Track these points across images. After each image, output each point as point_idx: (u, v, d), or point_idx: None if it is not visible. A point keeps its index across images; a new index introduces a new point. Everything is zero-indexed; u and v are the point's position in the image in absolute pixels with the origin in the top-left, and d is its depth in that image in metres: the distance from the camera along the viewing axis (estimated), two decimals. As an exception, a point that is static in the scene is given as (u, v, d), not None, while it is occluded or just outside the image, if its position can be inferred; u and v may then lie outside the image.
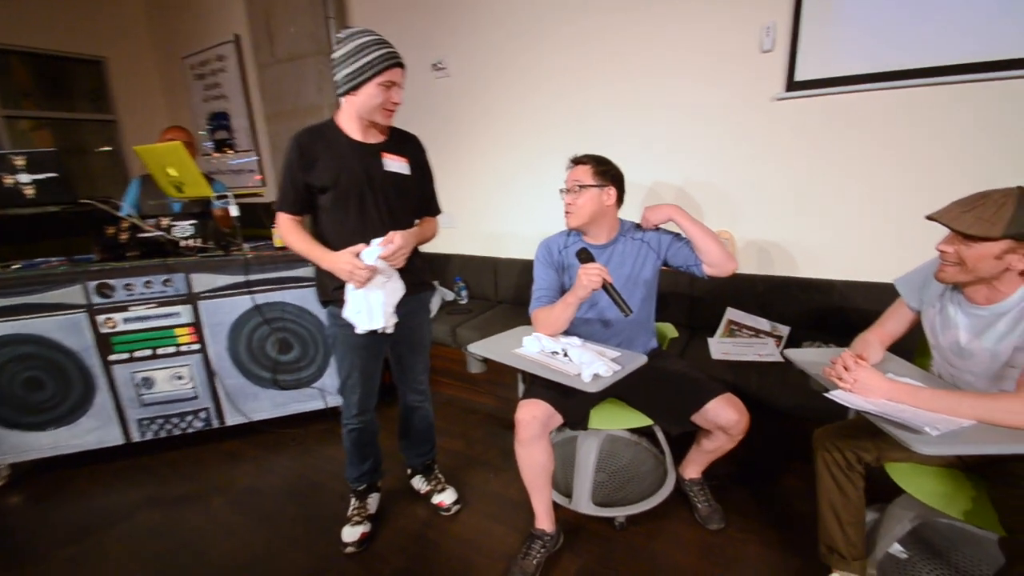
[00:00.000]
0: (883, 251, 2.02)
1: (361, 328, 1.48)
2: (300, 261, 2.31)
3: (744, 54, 2.11)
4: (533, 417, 1.52)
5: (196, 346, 2.25)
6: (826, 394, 1.18)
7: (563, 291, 1.69)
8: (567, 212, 1.62)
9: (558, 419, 1.56)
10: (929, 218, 1.16)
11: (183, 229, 2.27)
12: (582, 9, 2.45)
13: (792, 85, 2.04)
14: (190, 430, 2.33)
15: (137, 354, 2.19)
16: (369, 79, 1.35)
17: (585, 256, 1.47)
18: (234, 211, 2.16)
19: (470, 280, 3.09)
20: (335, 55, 1.37)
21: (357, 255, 1.41)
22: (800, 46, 1.99)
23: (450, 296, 3.08)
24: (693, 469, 1.78)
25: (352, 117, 1.45)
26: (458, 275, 3.09)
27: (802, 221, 2.16)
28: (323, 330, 2.38)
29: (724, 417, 1.51)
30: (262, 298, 2.28)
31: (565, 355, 1.44)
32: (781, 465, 1.97)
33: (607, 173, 1.60)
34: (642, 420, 1.61)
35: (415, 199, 1.61)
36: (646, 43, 2.32)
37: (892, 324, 1.38)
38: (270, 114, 3.47)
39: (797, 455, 1.95)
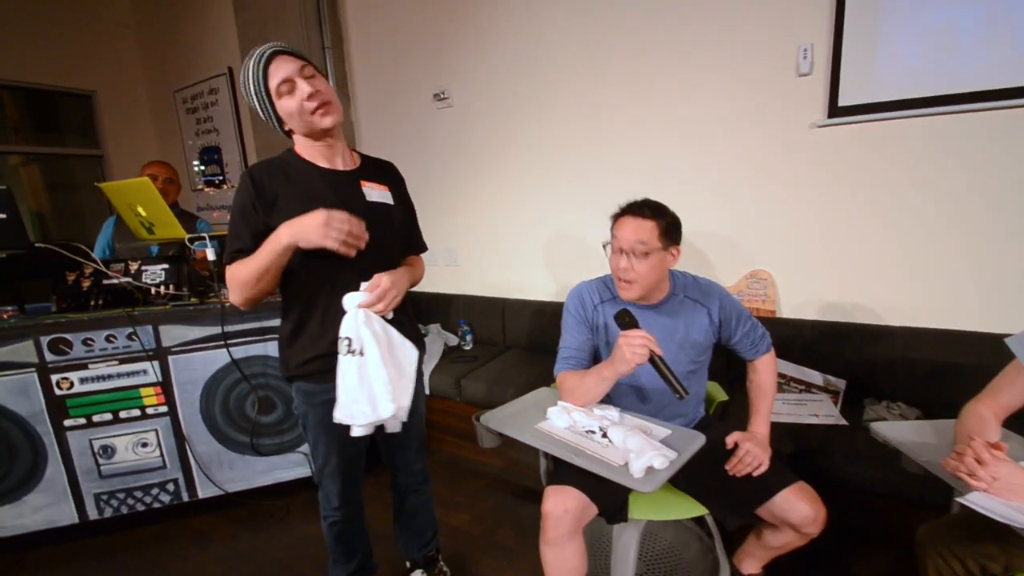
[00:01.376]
0: (952, 295, 1.77)
1: (362, 425, 1.10)
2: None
3: (779, 78, 1.91)
4: (565, 511, 1.22)
5: (164, 408, 1.97)
6: (961, 499, 0.90)
7: (596, 352, 1.43)
8: (624, 280, 1.29)
9: (593, 510, 1.27)
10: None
11: (154, 274, 2.01)
12: (594, 31, 2.28)
13: (835, 111, 1.83)
14: (156, 505, 2.02)
15: (96, 418, 1.90)
16: (266, 92, 1.11)
17: (628, 320, 1.19)
18: (211, 254, 1.92)
19: (475, 323, 2.83)
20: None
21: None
22: (843, 69, 1.79)
23: (453, 341, 2.81)
24: (752, 564, 1.47)
25: (307, 144, 1.19)
26: (462, 318, 2.83)
27: (852, 259, 1.91)
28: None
29: (797, 513, 1.22)
30: (241, 351, 2.01)
31: (604, 435, 1.17)
32: (852, 550, 1.66)
33: (672, 228, 1.29)
34: (695, 509, 1.31)
35: (402, 234, 1.33)
36: (668, 67, 2.13)
37: (1008, 395, 1.11)
38: (262, 146, 3.28)
39: (870, 537, 1.64)
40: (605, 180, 2.39)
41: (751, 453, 1.29)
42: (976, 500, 0.89)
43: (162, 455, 1.99)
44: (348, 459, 1.32)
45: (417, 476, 1.50)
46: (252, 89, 1.11)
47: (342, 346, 1.10)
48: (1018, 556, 1.02)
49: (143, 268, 2.00)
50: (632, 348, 1.13)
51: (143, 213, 1.90)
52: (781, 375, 1.96)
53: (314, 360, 1.20)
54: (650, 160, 2.25)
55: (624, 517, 1.32)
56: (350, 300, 1.12)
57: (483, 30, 2.59)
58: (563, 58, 2.39)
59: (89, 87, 4.16)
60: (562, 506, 1.23)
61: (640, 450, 1.05)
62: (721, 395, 1.57)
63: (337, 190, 1.18)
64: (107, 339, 1.86)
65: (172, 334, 1.93)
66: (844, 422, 1.70)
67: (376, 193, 1.24)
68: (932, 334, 1.78)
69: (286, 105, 1.11)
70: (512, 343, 2.76)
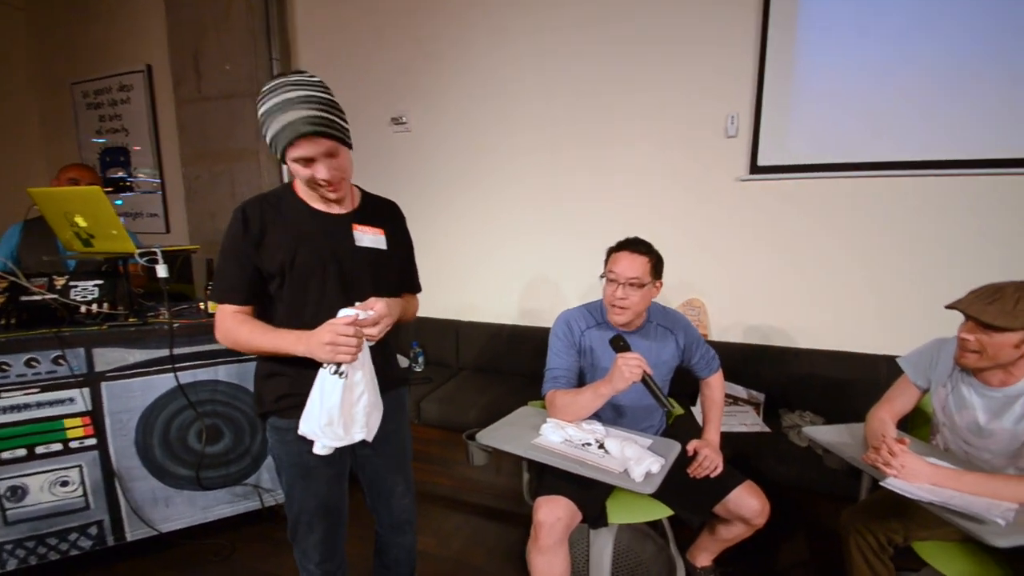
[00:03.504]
0: (841, 322, 2.18)
1: (327, 445, 1.05)
2: (240, 330, 1.95)
3: (711, 139, 2.26)
4: (557, 519, 1.34)
5: (92, 440, 1.75)
6: (884, 483, 1.17)
7: (580, 374, 1.57)
8: (617, 307, 1.47)
9: (579, 517, 1.40)
10: (950, 307, 1.23)
11: (86, 291, 1.81)
12: (551, 72, 2.50)
13: (755, 169, 2.20)
14: (73, 552, 1.77)
15: (5, 455, 1.64)
16: (281, 156, 1.05)
17: (623, 345, 1.35)
18: (162, 271, 1.77)
19: (427, 345, 2.85)
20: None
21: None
22: (761, 135, 2.17)
23: (404, 362, 2.80)
24: (705, 557, 1.69)
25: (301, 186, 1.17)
26: (414, 339, 2.84)
27: (768, 291, 2.29)
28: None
29: (747, 507, 1.45)
30: (188, 376, 1.87)
31: (601, 447, 1.30)
32: (780, 537, 1.94)
33: (659, 264, 1.52)
34: (663, 511, 1.49)
35: (395, 277, 1.30)
36: (618, 116, 2.40)
37: (901, 402, 1.44)
38: (189, 154, 3.04)
39: (796, 527, 1.94)
40: (560, 211, 2.59)
41: (709, 458, 1.50)
42: (896, 484, 1.16)
43: (85, 494, 1.76)
44: (328, 505, 1.22)
45: (404, 525, 1.41)
46: (269, 135, 1.04)
47: (329, 366, 1.05)
48: (914, 528, 1.32)
49: (71, 284, 1.79)
50: (630, 368, 1.28)
51: (82, 224, 1.71)
52: (713, 391, 2.25)
53: (289, 396, 1.15)
54: (601, 198, 2.50)
55: (605, 522, 1.45)
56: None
57: (444, 58, 2.69)
58: (521, 92, 2.57)
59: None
60: (554, 515, 1.34)
61: (639, 457, 1.20)
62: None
63: (327, 233, 1.16)
64: (27, 363, 1.64)
65: (108, 358, 1.75)
66: (768, 429, 2.02)
67: (368, 238, 1.21)
68: (828, 355, 2.18)
69: (298, 170, 1.08)
70: (465, 365, 2.82)
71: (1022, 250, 1.90)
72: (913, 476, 1.18)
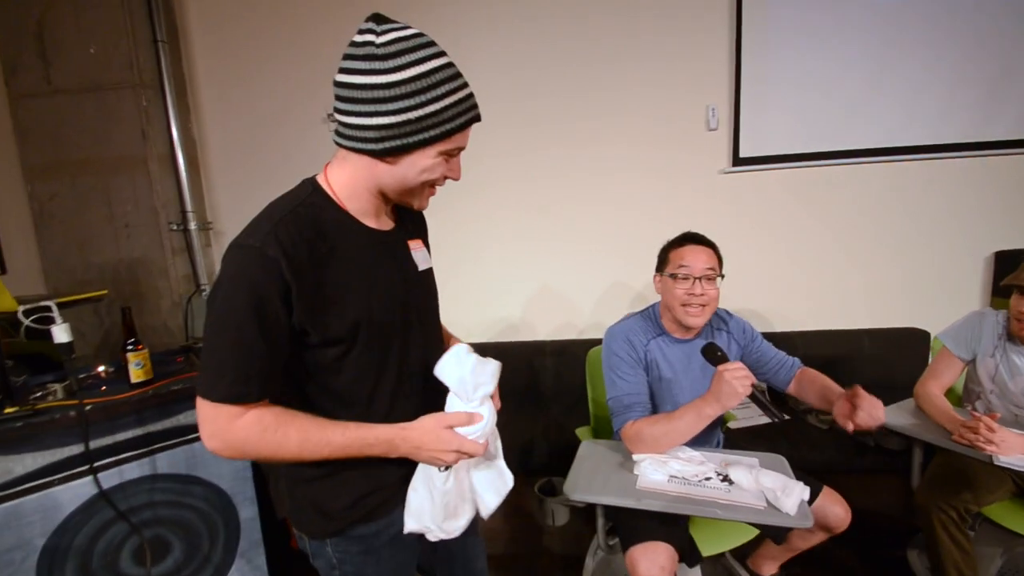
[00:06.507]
0: (825, 303, 2.31)
1: (438, 534, 0.84)
2: (180, 401, 1.45)
3: (694, 131, 2.24)
4: (661, 569, 1.15)
5: (-39, 605, 1.15)
6: (998, 462, 1.18)
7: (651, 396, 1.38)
8: (700, 306, 1.30)
9: (676, 558, 1.22)
10: (1006, 284, 1.29)
11: (-78, 378, 1.19)
12: (524, 66, 2.30)
13: (737, 160, 2.22)
14: None
15: None
16: (430, 141, 0.71)
17: (721, 355, 1.19)
18: (63, 334, 1.22)
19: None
20: (365, 80, 0.68)
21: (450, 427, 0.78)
22: (741, 127, 2.19)
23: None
24: (771, 565, 1.60)
25: (366, 190, 0.78)
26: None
27: (756, 281, 2.32)
28: (219, 506, 1.51)
29: (832, 515, 1.34)
30: (114, 477, 1.33)
31: (724, 480, 1.13)
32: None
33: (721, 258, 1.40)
34: (749, 531, 1.38)
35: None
36: (604, 112, 2.28)
37: (947, 375, 1.49)
38: (36, 167, 2.26)
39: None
40: (540, 216, 2.39)
41: (866, 397, 1.15)
42: (1007, 461, 1.17)
43: None
44: None
45: None
46: (423, 118, 0.69)
47: None
48: (983, 494, 1.36)
49: None
50: (740, 381, 1.11)
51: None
52: (719, 385, 2.23)
53: (373, 493, 0.83)
54: (585, 199, 2.36)
55: (699, 556, 1.30)
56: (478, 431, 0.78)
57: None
58: (491, 89, 2.30)
59: None
60: (657, 565, 1.16)
61: (784, 487, 1.06)
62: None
63: (392, 261, 0.83)
64: None
65: (-21, 474, 1.16)
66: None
67: (420, 255, 0.91)
68: (817, 335, 2.28)
69: (429, 164, 0.74)
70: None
71: (984, 227, 2.15)
72: (1012, 449, 1.20)
